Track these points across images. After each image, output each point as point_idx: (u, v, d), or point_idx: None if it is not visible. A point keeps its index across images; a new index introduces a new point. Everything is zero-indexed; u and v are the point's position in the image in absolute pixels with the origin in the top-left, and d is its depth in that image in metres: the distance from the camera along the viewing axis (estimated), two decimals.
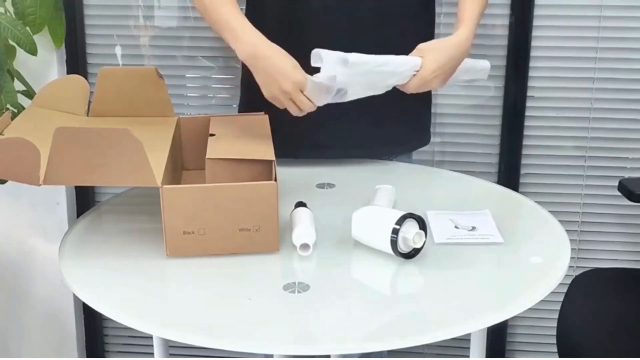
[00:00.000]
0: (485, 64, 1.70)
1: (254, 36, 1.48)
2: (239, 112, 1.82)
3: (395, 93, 1.57)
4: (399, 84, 1.53)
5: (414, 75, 1.52)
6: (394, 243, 1.29)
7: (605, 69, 2.05)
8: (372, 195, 1.50)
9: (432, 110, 2.12)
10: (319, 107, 1.50)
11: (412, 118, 1.76)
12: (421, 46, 1.53)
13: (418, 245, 1.31)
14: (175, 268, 1.32)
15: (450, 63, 1.54)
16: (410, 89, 1.53)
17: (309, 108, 1.47)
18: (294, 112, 1.49)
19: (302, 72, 1.45)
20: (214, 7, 1.52)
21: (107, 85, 1.61)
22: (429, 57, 1.51)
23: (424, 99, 1.78)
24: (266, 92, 1.47)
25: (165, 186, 1.29)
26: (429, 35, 1.73)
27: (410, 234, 1.29)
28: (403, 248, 1.31)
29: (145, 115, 1.61)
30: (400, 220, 1.30)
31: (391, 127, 1.72)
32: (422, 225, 1.32)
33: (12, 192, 2.14)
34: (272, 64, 1.46)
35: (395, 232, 1.29)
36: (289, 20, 1.62)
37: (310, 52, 1.47)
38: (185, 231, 1.31)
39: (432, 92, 2.10)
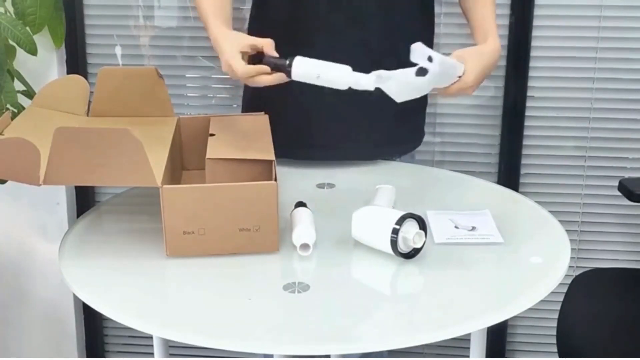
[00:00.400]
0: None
1: (214, 28, 1.53)
2: (243, 109, 1.82)
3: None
4: (440, 86, 1.48)
5: (456, 80, 1.48)
6: (394, 243, 1.29)
7: (605, 69, 2.05)
8: (372, 195, 1.50)
9: (433, 110, 2.13)
10: (319, 108, 1.51)
11: (410, 119, 1.76)
12: (461, 52, 1.50)
13: (418, 245, 1.31)
14: (175, 268, 1.32)
15: (486, 70, 1.53)
16: (451, 94, 1.50)
17: (244, 77, 1.46)
18: (249, 79, 1.47)
19: (232, 47, 1.47)
20: (197, 5, 1.61)
21: (107, 85, 1.61)
22: (470, 63, 1.49)
23: (421, 101, 1.78)
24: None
25: (165, 186, 1.29)
26: (430, 34, 1.73)
27: (410, 234, 1.29)
28: (403, 248, 1.31)
29: (145, 115, 1.61)
30: (400, 220, 1.30)
31: (391, 129, 1.73)
32: (422, 225, 1.32)
33: (12, 192, 2.14)
34: (218, 50, 1.51)
35: (395, 232, 1.29)
36: (293, 21, 1.63)
37: (313, 53, 1.45)
38: (185, 231, 1.31)
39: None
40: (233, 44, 1.47)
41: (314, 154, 1.73)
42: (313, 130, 1.69)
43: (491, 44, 1.57)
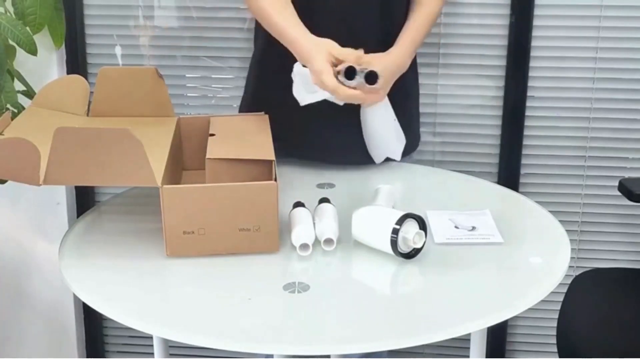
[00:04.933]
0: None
1: (295, 42, 1.55)
2: (241, 110, 1.82)
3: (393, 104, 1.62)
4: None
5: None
6: (394, 243, 1.29)
7: (605, 69, 2.05)
8: (373, 195, 1.50)
9: (433, 111, 2.13)
10: (319, 113, 1.57)
11: (407, 124, 1.76)
12: (369, 57, 1.54)
13: (418, 245, 1.31)
14: (175, 268, 1.32)
15: (389, 76, 1.58)
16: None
17: (331, 89, 1.48)
18: (343, 95, 1.49)
19: (321, 58, 1.48)
20: (269, 17, 1.59)
21: (107, 85, 1.61)
22: (378, 67, 1.52)
23: (416, 107, 1.83)
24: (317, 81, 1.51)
25: (165, 186, 1.29)
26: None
27: (411, 234, 1.29)
28: (403, 248, 1.31)
29: (145, 115, 1.61)
30: (401, 220, 1.30)
31: None
32: (422, 225, 1.32)
33: (12, 192, 2.14)
34: (308, 62, 1.52)
35: (395, 232, 1.29)
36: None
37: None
38: (185, 231, 1.31)
39: (434, 92, 2.11)
40: (324, 57, 1.49)
41: (311, 155, 1.73)
42: (312, 134, 1.69)
43: (395, 51, 1.62)
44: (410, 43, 1.65)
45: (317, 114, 1.62)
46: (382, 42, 1.65)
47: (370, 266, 1.33)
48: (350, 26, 1.64)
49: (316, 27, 1.57)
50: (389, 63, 1.59)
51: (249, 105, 1.79)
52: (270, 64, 1.71)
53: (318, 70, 1.48)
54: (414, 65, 1.75)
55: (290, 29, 1.56)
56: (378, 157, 1.71)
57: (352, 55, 1.50)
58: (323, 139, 1.70)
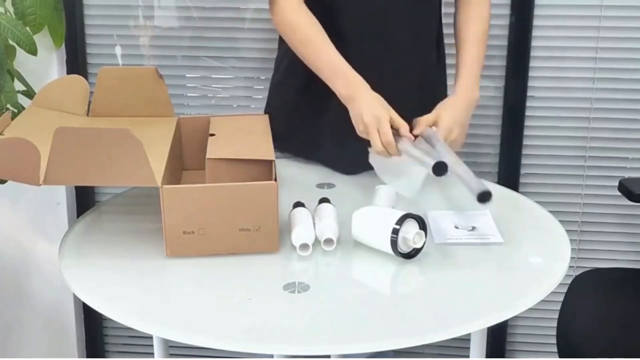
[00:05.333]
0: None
1: (351, 80, 1.55)
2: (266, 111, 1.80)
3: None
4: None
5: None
6: (394, 243, 1.29)
7: (605, 69, 2.05)
8: (372, 196, 1.50)
9: None
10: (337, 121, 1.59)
11: None
12: (435, 115, 1.57)
13: (418, 245, 1.31)
14: (175, 268, 1.32)
15: (462, 122, 1.60)
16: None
17: (387, 142, 1.49)
18: (376, 147, 1.51)
19: (383, 107, 1.51)
20: (313, 57, 1.59)
21: (107, 85, 1.61)
22: (444, 121, 1.56)
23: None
24: (356, 128, 1.53)
25: (165, 186, 1.29)
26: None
27: (411, 234, 1.29)
28: (403, 248, 1.31)
29: (145, 115, 1.61)
30: (401, 220, 1.30)
31: None
32: (422, 225, 1.32)
33: (12, 192, 2.14)
34: (360, 100, 1.53)
35: (395, 232, 1.29)
36: (328, 28, 1.62)
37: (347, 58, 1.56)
38: (185, 231, 1.31)
39: None
40: (384, 107, 1.52)
41: (320, 159, 1.73)
42: (325, 140, 1.69)
43: (462, 95, 1.62)
44: (468, 77, 1.63)
45: (334, 125, 1.63)
46: (413, 45, 1.66)
47: (370, 266, 1.33)
48: (380, 30, 1.64)
49: (342, 32, 1.58)
50: (456, 114, 1.58)
51: (272, 99, 1.80)
52: (301, 68, 1.67)
53: (380, 117, 1.49)
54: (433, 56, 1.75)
55: (347, 69, 1.56)
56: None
57: (403, 126, 1.52)
58: (334, 148, 1.70)
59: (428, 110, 1.60)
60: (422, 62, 1.69)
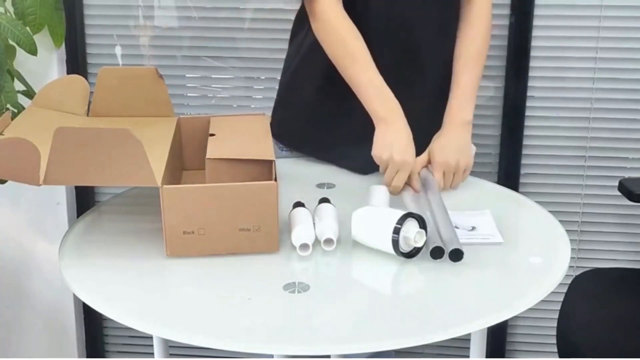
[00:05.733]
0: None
1: (389, 103, 1.56)
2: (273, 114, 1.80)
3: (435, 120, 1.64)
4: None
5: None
6: (395, 242, 1.29)
7: (605, 69, 2.05)
8: (367, 196, 1.50)
9: None
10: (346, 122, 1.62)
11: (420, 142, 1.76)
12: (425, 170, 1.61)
13: (419, 244, 1.31)
14: (175, 268, 1.32)
15: (457, 142, 1.63)
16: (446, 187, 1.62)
17: (397, 185, 1.55)
18: (386, 181, 1.56)
19: (413, 153, 1.55)
20: (354, 72, 1.57)
21: (107, 85, 1.61)
22: (435, 154, 1.60)
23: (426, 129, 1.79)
24: (376, 150, 1.56)
25: (165, 186, 1.29)
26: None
27: (412, 233, 1.29)
28: (404, 247, 1.31)
29: (145, 115, 1.61)
30: (402, 220, 1.30)
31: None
32: (422, 224, 1.32)
33: (12, 192, 2.14)
34: (394, 129, 1.55)
35: (396, 231, 1.29)
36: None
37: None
38: (185, 231, 1.31)
39: None
40: (413, 156, 1.56)
41: (333, 159, 1.73)
42: (340, 141, 1.69)
43: (453, 120, 1.63)
44: (460, 97, 1.63)
45: (343, 125, 1.64)
46: (441, 60, 1.65)
47: (370, 266, 1.33)
48: (407, 44, 1.63)
49: (369, 37, 1.57)
50: (448, 145, 1.61)
51: (282, 94, 1.79)
52: (314, 66, 1.67)
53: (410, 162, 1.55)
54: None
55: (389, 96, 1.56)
56: None
57: (414, 181, 1.57)
58: (346, 149, 1.70)
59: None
60: (448, 65, 1.67)
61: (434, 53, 1.66)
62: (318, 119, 1.70)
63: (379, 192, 1.51)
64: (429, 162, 1.61)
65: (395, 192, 1.56)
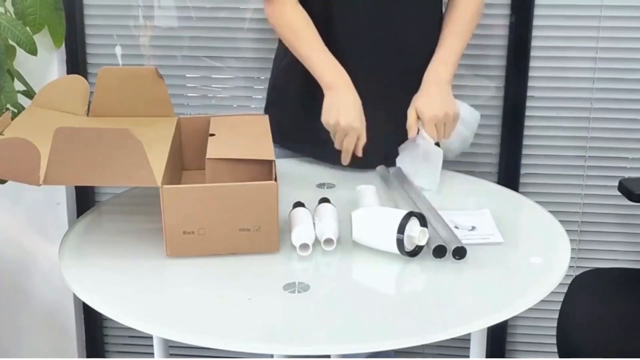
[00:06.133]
0: (475, 115, 1.74)
1: (335, 71, 1.63)
2: (266, 110, 1.82)
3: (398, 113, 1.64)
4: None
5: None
6: (400, 242, 1.29)
7: (605, 69, 2.05)
8: (358, 197, 1.50)
9: None
10: None
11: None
12: (414, 112, 1.63)
13: (422, 243, 1.31)
14: (175, 268, 1.32)
15: (440, 97, 1.63)
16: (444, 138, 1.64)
17: (346, 148, 1.61)
18: (337, 145, 1.62)
19: (361, 119, 1.60)
20: (302, 47, 1.66)
21: (107, 85, 1.61)
22: (423, 110, 1.62)
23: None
24: (324, 117, 1.61)
25: (165, 186, 1.29)
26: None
27: (415, 232, 1.29)
28: (407, 246, 1.31)
29: (145, 115, 1.61)
30: (405, 219, 1.29)
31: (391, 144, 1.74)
32: (423, 222, 1.32)
33: (12, 192, 2.14)
34: (341, 96, 1.61)
35: (401, 230, 1.28)
36: (326, 37, 1.66)
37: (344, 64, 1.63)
38: (185, 231, 1.31)
39: None
40: (362, 123, 1.61)
41: (319, 155, 1.73)
42: (325, 137, 1.69)
43: (431, 80, 1.65)
44: (439, 60, 1.66)
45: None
46: (419, 44, 1.68)
47: (370, 266, 1.33)
48: (385, 30, 1.66)
49: (342, 36, 1.62)
50: (432, 99, 1.62)
51: (271, 94, 1.83)
52: (302, 67, 1.68)
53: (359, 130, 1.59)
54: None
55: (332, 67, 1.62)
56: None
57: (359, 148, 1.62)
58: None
59: None
60: (427, 60, 1.69)
61: (414, 47, 1.69)
62: (306, 117, 1.71)
63: (369, 192, 1.51)
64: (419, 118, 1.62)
65: (345, 159, 1.62)
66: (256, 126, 1.57)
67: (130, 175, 1.27)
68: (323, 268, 1.33)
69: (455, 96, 2.09)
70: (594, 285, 1.81)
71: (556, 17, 2.03)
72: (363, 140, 1.61)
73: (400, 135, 1.66)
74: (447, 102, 1.63)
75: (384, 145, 1.66)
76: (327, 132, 1.65)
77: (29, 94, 1.91)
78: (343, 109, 1.59)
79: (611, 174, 2.11)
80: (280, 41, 1.78)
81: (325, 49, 1.63)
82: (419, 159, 1.63)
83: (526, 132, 2.11)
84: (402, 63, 1.68)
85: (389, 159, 1.69)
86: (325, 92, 1.62)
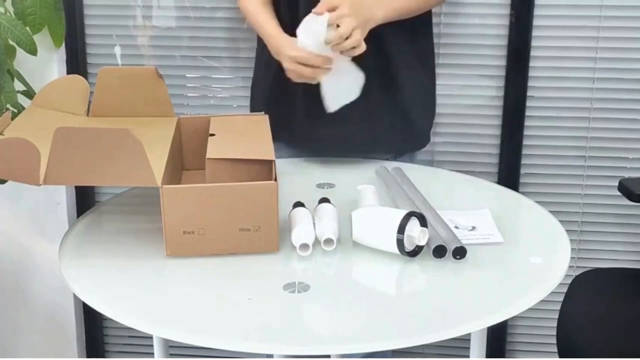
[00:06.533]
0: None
1: (273, 32, 1.68)
2: (251, 109, 1.86)
3: (392, 99, 1.65)
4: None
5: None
6: (400, 242, 1.29)
7: (605, 69, 2.05)
8: (358, 197, 1.50)
9: None
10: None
11: (409, 120, 1.77)
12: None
13: (422, 243, 1.31)
14: (175, 268, 1.32)
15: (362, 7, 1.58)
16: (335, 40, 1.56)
17: (307, 74, 1.58)
18: (293, 77, 1.61)
19: (292, 48, 1.58)
20: (254, 22, 1.75)
21: (107, 85, 1.61)
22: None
23: (423, 104, 1.81)
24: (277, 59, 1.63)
25: (165, 186, 1.29)
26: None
27: (415, 232, 1.29)
28: (408, 246, 1.31)
29: (145, 115, 1.61)
30: (405, 219, 1.30)
31: (386, 132, 1.74)
32: (423, 222, 1.32)
33: (12, 192, 2.14)
34: (277, 44, 1.65)
35: (401, 230, 1.28)
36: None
37: None
38: (185, 231, 1.31)
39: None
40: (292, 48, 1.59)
41: (307, 148, 1.73)
42: (311, 123, 1.70)
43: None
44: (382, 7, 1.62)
45: (317, 105, 1.64)
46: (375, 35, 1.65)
47: (370, 266, 1.33)
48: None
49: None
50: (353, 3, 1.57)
51: (257, 102, 1.84)
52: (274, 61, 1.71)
53: (290, 56, 1.58)
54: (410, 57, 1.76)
55: (267, 26, 1.69)
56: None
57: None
58: (321, 130, 1.71)
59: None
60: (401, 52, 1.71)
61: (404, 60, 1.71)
62: (279, 103, 1.74)
63: (368, 192, 1.51)
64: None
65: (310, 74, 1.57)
66: (256, 126, 1.57)
67: (130, 175, 1.27)
68: (323, 268, 1.33)
69: (456, 96, 2.12)
70: (594, 285, 1.81)
71: (556, 17, 2.03)
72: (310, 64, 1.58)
73: (376, 125, 1.69)
74: (369, 15, 1.59)
75: (361, 134, 1.70)
76: (303, 125, 1.66)
77: (29, 94, 1.91)
78: (280, 50, 1.62)
79: (611, 174, 2.11)
80: (258, 37, 1.79)
81: (271, 19, 1.70)
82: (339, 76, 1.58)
83: (526, 132, 2.11)
84: (378, 57, 1.68)
85: (370, 145, 1.73)
86: (266, 41, 1.68)
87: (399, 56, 1.72)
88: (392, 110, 1.73)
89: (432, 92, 1.84)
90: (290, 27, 1.64)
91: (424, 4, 1.73)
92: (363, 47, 1.55)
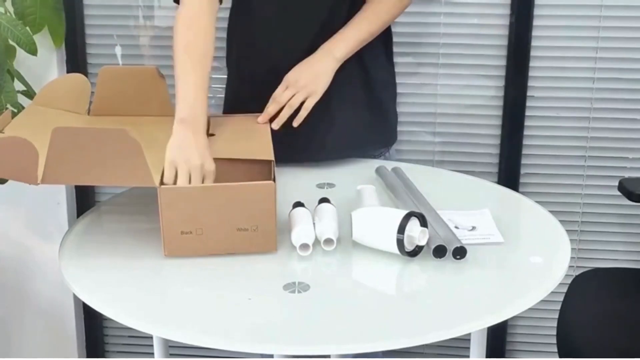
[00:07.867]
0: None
1: (192, 107, 1.46)
2: (225, 110, 1.83)
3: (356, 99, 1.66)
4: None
5: None
6: (400, 242, 1.29)
7: (605, 69, 2.05)
8: (358, 197, 1.50)
9: (433, 110, 2.13)
10: None
11: (383, 116, 1.78)
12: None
13: (422, 243, 1.31)
14: (175, 268, 1.31)
15: (313, 67, 1.61)
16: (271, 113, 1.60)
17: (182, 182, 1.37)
18: (168, 179, 1.35)
19: (207, 158, 1.39)
20: (179, 72, 1.52)
21: (107, 84, 1.61)
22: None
23: (389, 100, 1.81)
24: (170, 153, 1.36)
25: (162, 186, 1.29)
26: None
27: (415, 232, 1.29)
28: (408, 246, 1.31)
29: (145, 114, 1.61)
30: (405, 219, 1.29)
31: (352, 130, 1.74)
32: (423, 222, 1.32)
33: (13, 192, 2.13)
34: (196, 139, 1.41)
35: (401, 231, 1.28)
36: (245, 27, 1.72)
37: (261, 56, 1.66)
38: (184, 231, 1.31)
39: (434, 92, 2.11)
40: (202, 158, 1.38)
41: (308, 157, 1.73)
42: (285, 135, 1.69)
43: (320, 51, 1.63)
44: (337, 38, 1.63)
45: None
46: (326, 31, 1.65)
47: (370, 266, 1.33)
48: (291, 16, 1.66)
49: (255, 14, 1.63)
50: (296, 68, 1.61)
51: (229, 105, 1.82)
52: (248, 66, 1.72)
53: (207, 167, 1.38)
54: (381, 55, 1.75)
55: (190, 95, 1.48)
56: None
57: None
58: (286, 137, 1.70)
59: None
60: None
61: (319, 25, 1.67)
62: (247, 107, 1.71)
63: (368, 192, 1.51)
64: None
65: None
66: (256, 126, 1.57)
67: (128, 175, 1.27)
68: (323, 268, 1.33)
69: (456, 96, 2.12)
70: (594, 285, 1.81)
71: (556, 17, 2.03)
72: (210, 179, 1.38)
73: (331, 124, 1.69)
74: (319, 75, 1.61)
75: (315, 135, 1.68)
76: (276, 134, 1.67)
77: (29, 93, 1.91)
78: (198, 149, 1.38)
79: (611, 174, 2.11)
80: (228, 35, 1.80)
81: (195, 83, 1.49)
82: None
83: (526, 132, 2.11)
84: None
85: (323, 149, 1.72)
86: (178, 126, 1.42)
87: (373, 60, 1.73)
88: (371, 107, 1.73)
89: (395, 87, 1.85)
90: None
91: (387, 20, 1.70)
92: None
